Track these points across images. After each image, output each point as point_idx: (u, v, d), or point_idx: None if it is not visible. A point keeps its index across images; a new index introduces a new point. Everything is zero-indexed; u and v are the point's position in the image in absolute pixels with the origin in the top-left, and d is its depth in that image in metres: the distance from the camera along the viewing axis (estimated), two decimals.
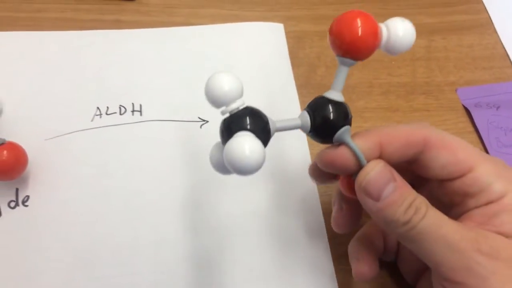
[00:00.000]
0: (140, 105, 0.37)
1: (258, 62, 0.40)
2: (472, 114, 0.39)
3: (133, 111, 0.37)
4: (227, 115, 0.21)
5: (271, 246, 0.32)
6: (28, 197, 0.32)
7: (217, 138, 0.22)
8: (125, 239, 0.31)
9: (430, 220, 0.21)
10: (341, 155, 0.23)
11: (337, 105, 0.22)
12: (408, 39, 0.23)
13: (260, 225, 0.33)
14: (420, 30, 0.45)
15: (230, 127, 0.21)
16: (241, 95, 0.21)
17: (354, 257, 0.28)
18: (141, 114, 0.37)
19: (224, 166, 0.20)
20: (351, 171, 0.23)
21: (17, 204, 0.32)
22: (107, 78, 0.39)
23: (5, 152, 0.30)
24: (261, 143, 0.19)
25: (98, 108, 0.37)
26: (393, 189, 0.22)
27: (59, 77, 0.38)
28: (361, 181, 0.23)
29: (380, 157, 0.23)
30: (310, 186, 0.34)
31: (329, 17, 0.45)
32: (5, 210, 0.32)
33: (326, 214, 0.33)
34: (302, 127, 0.23)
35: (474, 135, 0.38)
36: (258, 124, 0.21)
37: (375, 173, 0.22)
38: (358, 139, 0.23)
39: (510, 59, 0.43)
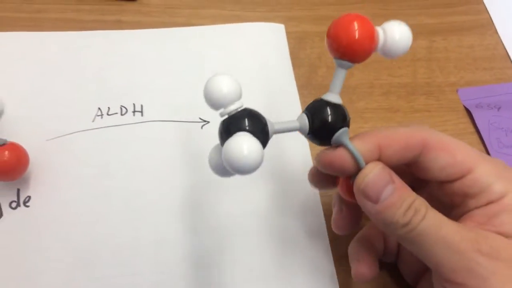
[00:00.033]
0: (141, 106, 0.37)
1: (259, 63, 0.40)
2: (473, 114, 0.39)
3: (134, 111, 0.37)
4: (225, 116, 0.21)
5: (272, 246, 0.32)
6: (29, 197, 0.32)
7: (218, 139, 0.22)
8: (125, 239, 0.31)
9: (429, 222, 0.21)
10: (339, 156, 0.23)
11: (335, 107, 0.23)
12: (405, 42, 0.23)
13: (260, 225, 0.33)
14: (421, 31, 0.45)
15: (228, 128, 0.21)
16: (239, 97, 0.21)
17: (354, 258, 0.28)
18: (142, 115, 0.37)
19: (223, 168, 0.21)
20: (349, 172, 0.23)
21: (18, 205, 0.32)
22: (108, 78, 0.39)
23: (6, 152, 0.30)
24: (259, 143, 0.19)
25: (99, 108, 0.37)
26: (392, 191, 0.22)
27: (60, 78, 0.38)
28: (359, 183, 0.23)
29: (379, 159, 0.23)
30: (311, 186, 0.34)
31: (330, 18, 0.45)
32: (7, 210, 0.32)
33: (327, 215, 0.33)
34: (300, 129, 0.23)
35: (475, 136, 0.38)
36: (257, 126, 0.21)
37: (373, 175, 0.22)
38: (357, 141, 0.23)
39: (511, 60, 0.43)
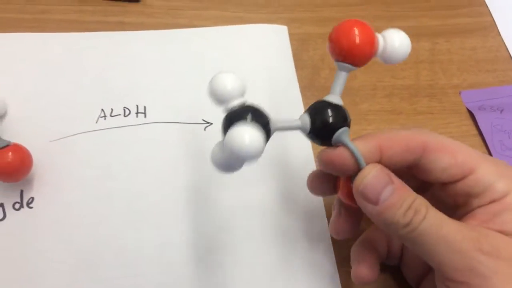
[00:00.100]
0: (144, 107, 0.37)
1: (261, 64, 0.40)
2: (476, 117, 0.39)
3: (137, 113, 0.37)
4: (229, 111, 0.22)
5: (275, 247, 0.32)
6: (32, 198, 0.32)
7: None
8: (128, 241, 0.31)
9: (430, 221, 0.22)
10: (339, 154, 0.23)
11: (336, 108, 0.23)
12: (404, 49, 0.24)
13: (263, 226, 0.33)
14: (424, 33, 0.45)
15: (231, 121, 0.21)
16: (243, 93, 0.22)
17: (355, 260, 0.28)
18: (145, 116, 0.37)
19: (225, 163, 0.21)
20: (350, 171, 0.23)
21: (21, 206, 0.32)
22: (111, 79, 0.39)
23: (10, 154, 0.31)
24: (261, 133, 0.20)
25: (102, 109, 0.37)
26: (391, 192, 0.22)
27: (63, 79, 0.38)
28: (358, 185, 0.23)
29: (381, 161, 0.24)
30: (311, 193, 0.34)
31: (332, 19, 0.45)
32: (10, 211, 0.32)
33: (330, 216, 0.33)
34: (301, 128, 0.23)
35: (478, 138, 0.38)
36: (259, 121, 0.21)
37: (372, 176, 0.22)
38: (358, 142, 0.23)
39: None
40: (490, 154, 0.37)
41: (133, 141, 0.35)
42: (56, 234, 0.31)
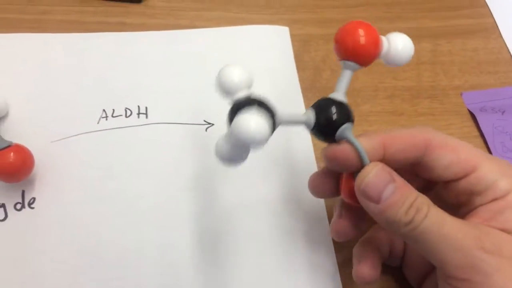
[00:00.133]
0: (146, 108, 0.37)
1: (263, 65, 0.40)
2: (477, 118, 0.39)
3: (138, 113, 0.37)
4: (236, 102, 0.22)
5: (276, 249, 0.32)
6: (34, 199, 0.32)
7: None
8: (130, 242, 0.31)
9: (432, 219, 0.22)
10: (343, 149, 0.23)
11: (340, 105, 0.24)
12: (406, 53, 0.25)
13: (265, 227, 0.33)
14: (425, 34, 0.45)
15: (238, 111, 0.21)
16: (250, 86, 0.22)
17: (357, 259, 0.28)
18: (146, 117, 0.37)
19: (229, 156, 0.22)
20: (353, 167, 0.24)
21: (23, 206, 0.32)
22: (112, 80, 0.39)
23: (11, 154, 0.31)
24: (266, 120, 0.20)
25: (104, 110, 0.37)
26: (393, 190, 0.22)
27: (65, 79, 0.38)
28: (360, 183, 0.23)
29: (384, 157, 0.24)
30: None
31: (334, 21, 0.45)
32: (11, 212, 0.32)
33: (331, 218, 0.33)
34: (306, 124, 0.24)
35: (479, 140, 0.38)
36: (265, 112, 0.21)
37: (373, 175, 0.23)
38: (362, 138, 0.24)
39: None
40: None
41: (134, 142, 0.35)
42: (57, 234, 0.31)
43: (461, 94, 0.41)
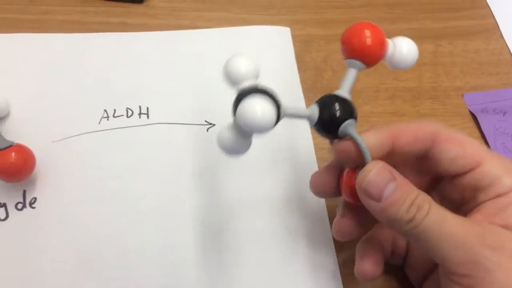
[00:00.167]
0: (147, 108, 0.37)
1: (264, 66, 0.39)
2: (479, 119, 0.39)
3: (140, 114, 0.37)
4: (241, 91, 0.22)
5: (277, 248, 0.32)
6: (35, 199, 0.32)
7: None
8: (131, 242, 0.31)
9: (433, 217, 0.22)
10: (348, 145, 0.24)
11: (343, 101, 0.24)
12: (411, 58, 0.25)
13: (266, 227, 0.33)
14: (426, 35, 0.45)
15: (243, 98, 0.22)
16: (257, 76, 0.23)
17: (359, 256, 0.28)
18: (148, 117, 0.37)
19: (232, 145, 0.22)
20: (357, 162, 0.24)
21: (24, 206, 0.32)
22: (113, 80, 0.39)
23: (13, 154, 0.31)
24: (272, 106, 0.21)
25: (105, 110, 0.37)
26: (394, 188, 0.22)
27: (66, 79, 0.38)
28: (361, 182, 0.23)
29: (392, 150, 0.24)
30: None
31: (335, 21, 0.45)
32: (12, 211, 0.32)
33: (332, 218, 0.33)
34: (309, 118, 0.24)
35: (481, 141, 0.38)
36: (271, 101, 0.21)
37: (374, 174, 0.23)
38: (370, 132, 0.24)
39: None
40: None
41: (135, 142, 0.35)
42: (58, 234, 0.31)
43: (462, 95, 0.41)
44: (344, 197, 0.26)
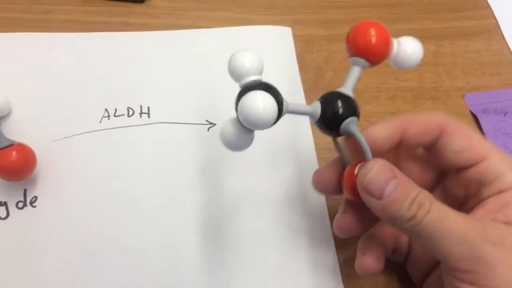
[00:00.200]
0: (148, 108, 0.37)
1: (265, 66, 0.40)
2: (480, 120, 0.39)
3: (141, 113, 0.37)
4: (244, 85, 0.22)
5: (278, 248, 0.32)
6: (36, 197, 0.32)
7: None
8: (132, 241, 0.31)
9: (434, 214, 0.22)
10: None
11: (346, 98, 0.24)
12: (415, 57, 0.25)
13: (267, 227, 0.33)
14: (428, 35, 0.45)
15: (246, 92, 0.22)
16: (260, 72, 0.23)
17: (360, 251, 0.28)
18: (149, 117, 0.37)
19: (234, 140, 0.22)
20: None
21: (25, 205, 0.32)
22: (115, 80, 0.39)
23: (14, 153, 0.31)
24: (274, 100, 0.21)
25: (106, 109, 0.37)
26: (395, 186, 0.22)
27: (67, 78, 0.38)
28: (362, 180, 0.23)
29: (401, 140, 0.25)
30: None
31: (337, 21, 0.45)
32: (13, 210, 0.32)
33: (333, 217, 0.33)
34: (311, 114, 0.24)
35: None
36: (273, 96, 0.22)
37: (375, 172, 0.23)
38: (380, 124, 0.25)
39: None
40: None
41: (136, 141, 0.35)
42: (59, 233, 0.31)
43: (463, 96, 0.41)
44: (346, 194, 0.26)
